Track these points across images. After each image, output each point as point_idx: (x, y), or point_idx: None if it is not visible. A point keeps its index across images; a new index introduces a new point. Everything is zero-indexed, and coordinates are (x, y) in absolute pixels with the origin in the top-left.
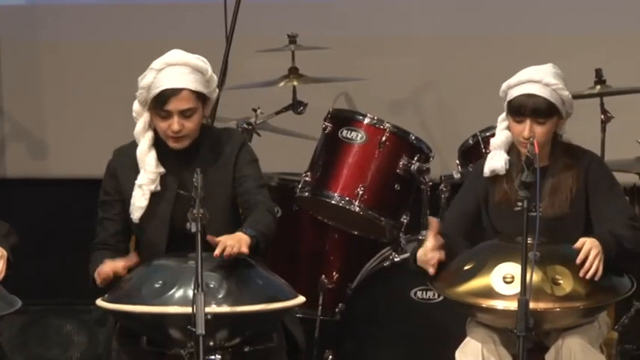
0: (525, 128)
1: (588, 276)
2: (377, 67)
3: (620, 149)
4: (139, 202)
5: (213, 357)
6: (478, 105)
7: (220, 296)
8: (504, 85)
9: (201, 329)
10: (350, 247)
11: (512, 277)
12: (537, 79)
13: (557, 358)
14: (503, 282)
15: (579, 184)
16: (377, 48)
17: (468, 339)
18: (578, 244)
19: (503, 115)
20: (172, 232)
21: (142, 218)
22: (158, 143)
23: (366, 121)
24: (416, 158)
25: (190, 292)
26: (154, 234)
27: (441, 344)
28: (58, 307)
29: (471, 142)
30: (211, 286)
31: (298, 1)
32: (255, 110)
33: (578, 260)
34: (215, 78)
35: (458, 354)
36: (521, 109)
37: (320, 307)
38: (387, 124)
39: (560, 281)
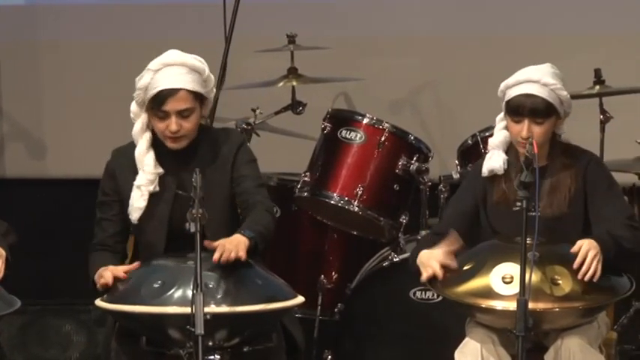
0: (523, 128)
1: (586, 278)
2: (376, 67)
3: (619, 149)
4: (137, 202)
5: (212, 357)
6: (477, 105)
7: (219, 296)
8: (502, 85)
9: (200, 329)
10: (349, 247)
11: (512, 278)
12: (535, 79)
13: (556, 358)
14: (502, 282)
15: (578, 183)
16: (376, 48)
17: (467, 339)
18: (575, 248)
19: (502, 115)
20: (171, 233)
21: (141, 219)
22: (156, 144)
23: (365, 121)
24: (415, 158)
25: (189, 293)
26: (153, 234)
27: (440, 344)
28: (57, 307)
29: (470, 142)
30: (210, 286)
31: (297, 1)
32: (254, 110)
33: (575, 265)
34: (212, 78)
35: (457, 354)
36: (520, 109)
37: (319, 307)
38: (386, 124)
39: (560, 281)
